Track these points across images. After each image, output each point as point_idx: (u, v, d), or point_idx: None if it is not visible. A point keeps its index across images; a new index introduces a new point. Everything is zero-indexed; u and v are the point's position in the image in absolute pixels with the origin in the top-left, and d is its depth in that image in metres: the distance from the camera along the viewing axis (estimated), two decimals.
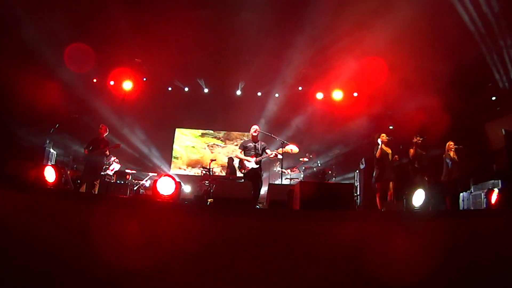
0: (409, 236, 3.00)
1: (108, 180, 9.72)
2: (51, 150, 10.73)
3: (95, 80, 13.36)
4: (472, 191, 8.92)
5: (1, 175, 6.69)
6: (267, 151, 7.33)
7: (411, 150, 8.21)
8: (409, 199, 6.88)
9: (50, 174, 7.13)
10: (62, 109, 11.46)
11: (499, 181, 8.26)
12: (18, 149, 10.00)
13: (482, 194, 8.18)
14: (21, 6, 8.93)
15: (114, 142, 9.18)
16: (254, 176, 7.06)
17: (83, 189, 8.10)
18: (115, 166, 10.32)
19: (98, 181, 8.46)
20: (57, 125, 9.77)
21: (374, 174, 7.87)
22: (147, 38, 11.24)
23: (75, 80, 12.40)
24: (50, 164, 9.29)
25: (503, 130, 9.05)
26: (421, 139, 8.23)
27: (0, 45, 9.37)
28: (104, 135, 8.66)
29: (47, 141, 10.66)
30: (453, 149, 8.06)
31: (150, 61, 12.59)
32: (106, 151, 8.47)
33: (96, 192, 8.22)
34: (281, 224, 3.49)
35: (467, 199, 8.80)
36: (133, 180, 10.51)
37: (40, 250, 2.05)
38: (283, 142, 7.37)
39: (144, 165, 12.92)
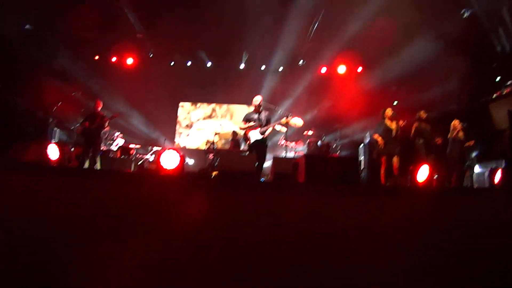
0: (412, 212, 2.99)
1: (112, 155, 9.71)
2: (54, 128, 10.72)
3: (97, 57, 13.25)
4: (476, 169, 8.94)
5: (5, 157, 6.70)
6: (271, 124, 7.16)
7: (415, 125, 8.13)
8: (413, 175, 6.87)
9: (53, 152, 7.17)
10: (64, 87, 11.41)
11: (503, 160, 8.26)
12: (21, 128, 10.00)
13: (486, 172, 8.21)
14: None
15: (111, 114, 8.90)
16: (258, 148, 6.95)
17: (86, 165, 8.06)
18: (119, 141, 10.32)
19: (99, 156, 8.38)
20: (60, 103, 9.71)
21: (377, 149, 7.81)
22: (149, 13, 11.04)
23: (76, 56, 12.31)
24: (53, 142, 9.29)
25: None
26: (426, 114, 8.15)
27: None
28: (99, 109, 8.45)
29: (50, 119, 10.62)
30: (458, 128, 7.98)
31: (152, 36, 12.42)
32: (105, 123, 8.32)
33: (99, 168, 8.18)
34: (285, 197, 3.49)
35: (471, 177, 8.83)
36: (137, 155, 10.50)
37: (44, 229, 2.05)
38: (288, 114, 7.11)
39: (148, 140, 12.92)
